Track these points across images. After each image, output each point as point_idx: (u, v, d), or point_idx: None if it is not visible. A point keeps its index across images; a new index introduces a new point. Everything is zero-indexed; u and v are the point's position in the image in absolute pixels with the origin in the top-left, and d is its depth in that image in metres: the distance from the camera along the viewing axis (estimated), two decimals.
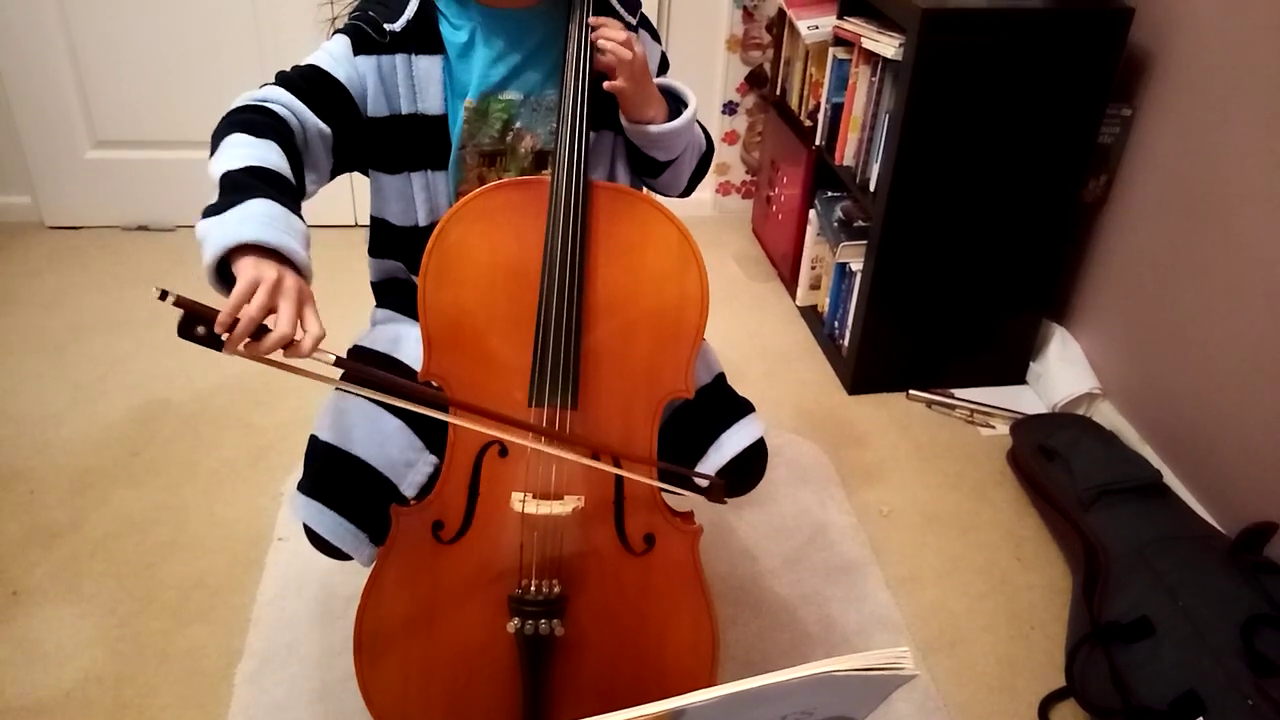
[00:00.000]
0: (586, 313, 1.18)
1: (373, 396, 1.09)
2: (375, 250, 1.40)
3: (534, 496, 1.18)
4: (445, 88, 1.27)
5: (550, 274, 1.17)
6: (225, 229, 0.94)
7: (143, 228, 2.88)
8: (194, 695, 1.52)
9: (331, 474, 1.25)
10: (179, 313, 0.88)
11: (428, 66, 1.25)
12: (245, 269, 0.92)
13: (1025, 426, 2.11)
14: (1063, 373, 2.29)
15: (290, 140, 1.13)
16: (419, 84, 1.25)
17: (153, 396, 2.19)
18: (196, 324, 0.89)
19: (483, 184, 1.23)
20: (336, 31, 1.26)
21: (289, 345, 0.92)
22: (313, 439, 1.28)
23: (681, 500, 1.33)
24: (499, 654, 1.23)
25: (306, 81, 1.20)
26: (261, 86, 1.18)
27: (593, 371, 1.19)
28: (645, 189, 1.43)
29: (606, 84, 1.21)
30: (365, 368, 1.06)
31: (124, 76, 2.67)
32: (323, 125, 1.18)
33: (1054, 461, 1.94)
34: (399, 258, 1.38)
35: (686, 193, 1.43)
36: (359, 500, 1.24)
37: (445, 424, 1.19)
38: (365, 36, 1.23)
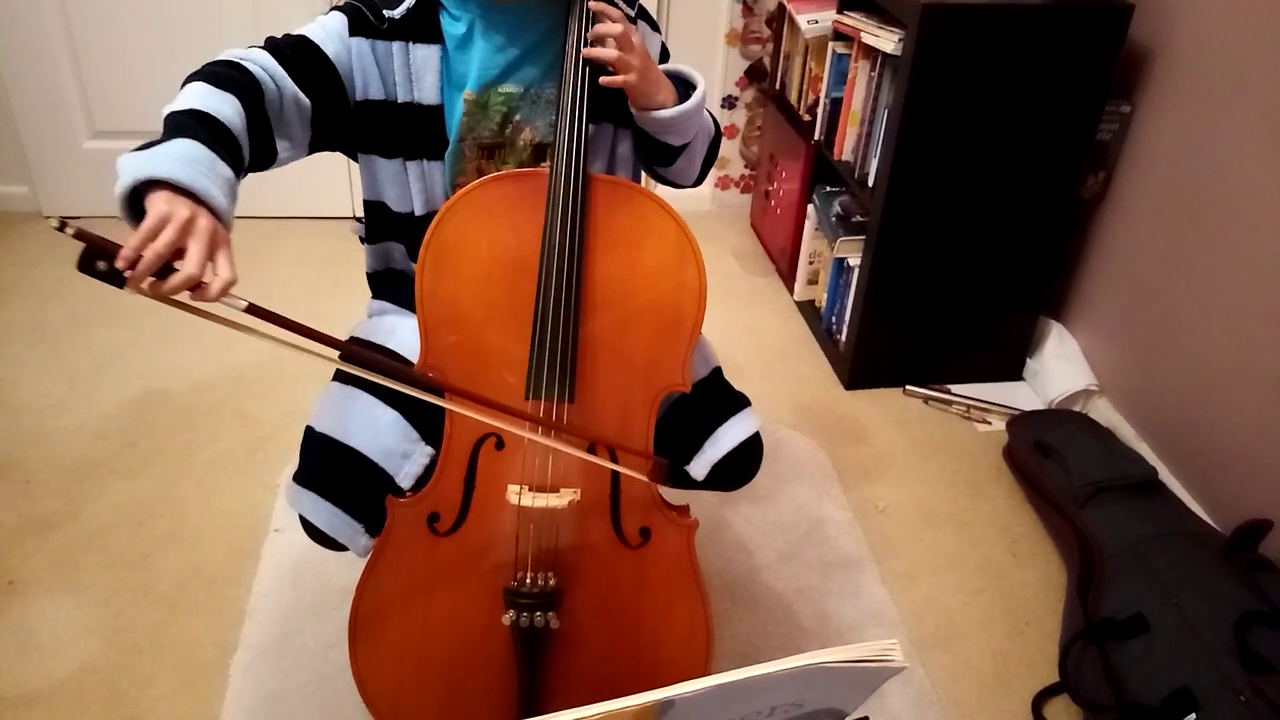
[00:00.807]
0: (584, 305, 1.18)
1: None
2: (372, 236, 1.40)
3: (530, 489, 1.18)
4: (441, 78, 1.26)
5: (548, 266, 1.17)
6: (142, 162, 0.91)
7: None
8: (189, 686, 1.53)
9: (327, 465, 1.25)
10: (82, 247, 0.84)
11: (425, 56, 1.25)
12: (156, 204, 0.89)
13: (1022, 423, 2.12)
14: (1059, 369, 2.29)
15: (258, 100, 1.11)
16: (415, 73, 1.25)
17: (150, 388, 2.19)
18: (98, 258, 0.85)
19: (481, 176, 1.23)
20: (335, 8, 1.25)
21: (196, 288, 0.89)
22: (308, 430, 1.28)
23: (677, 493, 1.33)
24: (494, 646, 1.23)
25: (293, 50, 1.19)
26: (249, 48, 1.17)
27: (590, 364, 1.19)
28: (657, 182, 1.42)
29: (605, 80, 1.20)
30: (280, 317, 0.94)
31: (122, 66, 2.67)
32: (302, 95, 1.17)
33: (1050, 458, 1.95)
34: (397, 240, 1.37)
35: (699, 180, 1.42)
36: (355, 491, 1.24)
37: (442, 416, 1.19)
38: (363, 19, 1.23)
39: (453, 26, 1.26)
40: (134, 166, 0.91)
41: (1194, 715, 1.36)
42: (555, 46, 1.26)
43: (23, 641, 1.58)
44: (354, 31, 1.23)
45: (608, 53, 1.18)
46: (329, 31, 1.22)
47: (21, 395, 2.15)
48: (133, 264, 0.86)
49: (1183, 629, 1.47)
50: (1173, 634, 1.48)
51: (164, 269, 0.87)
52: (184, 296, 0.89)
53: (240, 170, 1.04)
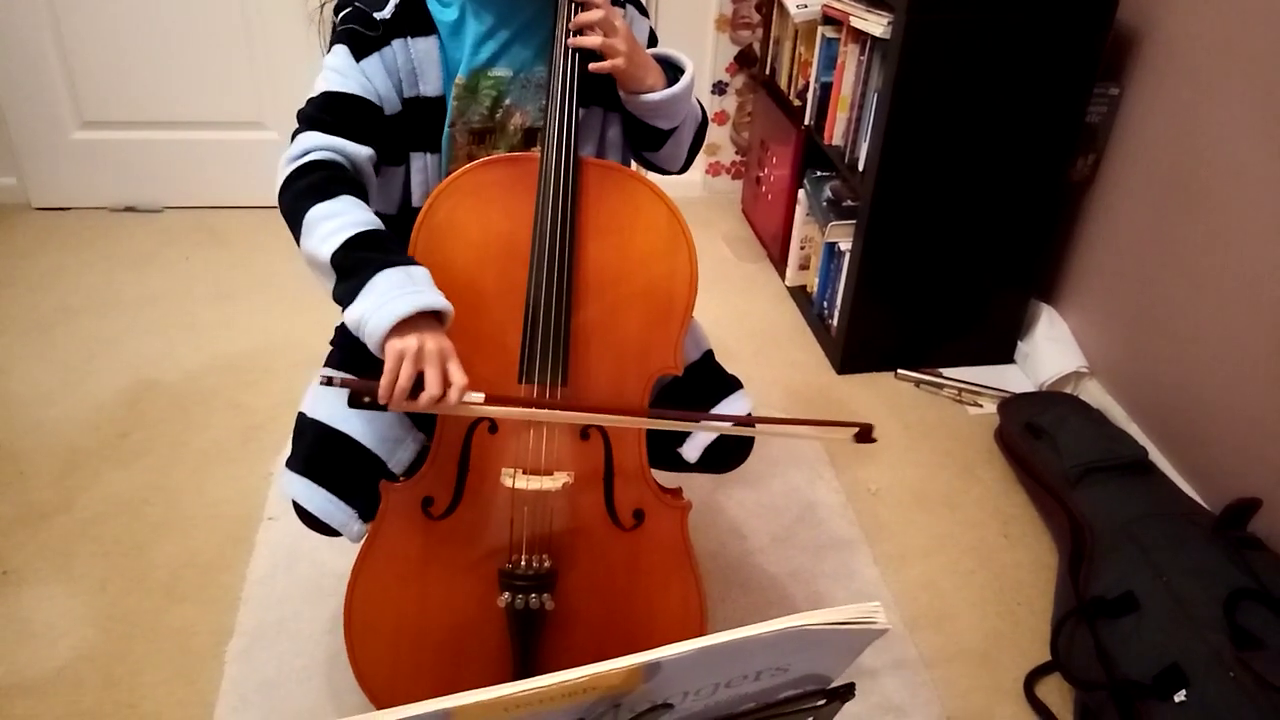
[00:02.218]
0: (576, 289, 1.19)
1: (522, 414, 1.19)
2: None
3: (524, 472, 1.19)
4: (443, 68, 1.26)
5: (540, 250, 1.17)
6: (368, 318, 1.04)
7: (130, 209, 2.86)
8: (184, 673, 1.53)
9: (320, 451, 1.25)
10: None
11: (425, 48, 1.24)
12: (391, 348, 1.03)
13: (1013, 405, 2.13)
14: (1050, 351, 2.30)
15: (351, 178, 1.17)
16: (419, 66, 1.24)
17: (142, 377, 2.19)
18: (362, 396, 1.07)
19: (472, 162, 1.23)
20: (333, 42, 1.24)
21: (440, 400, 1.04)
22: (301, 416, 1.28)
23: (670, 476, 1.34)
24: (489, 629, 1.24)
25: (329, 113, 1.19)
26: (292, 138, 1.19)
27: (582, 348, 1.20)
28: (645, 168, 1.42)
29: (594, 65, 1.20)
30: (509, 398, 1.17)
31: (111, 56, 2.65)
32: (365, 150, 1.19)
33: (1041, 439, 1.96)
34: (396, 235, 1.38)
35: (685, 166, 1.42)
36: (348, 477, 1.25)
37: None
38: (360, 38, 1.21)
39: (444, 14, 1.26)
40: (367, 324, 1.04)
41: (1184, 691, 1.38)
42: (545, 28, 1.26)
43: (18, 630, 1.58)
44: (358, 56, 1.22)
45: (591, 40, 1.18)
46: (343, 71, 1.22)
47: (13, 385, 2.14)
48: (389, 398, 1.04)
49: (1173, 606, 1.48)
50: (1163, 612, 1.49)
51: (415, 388, 1.04)
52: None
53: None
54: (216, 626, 1.61)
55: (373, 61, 1.22)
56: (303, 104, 1.22)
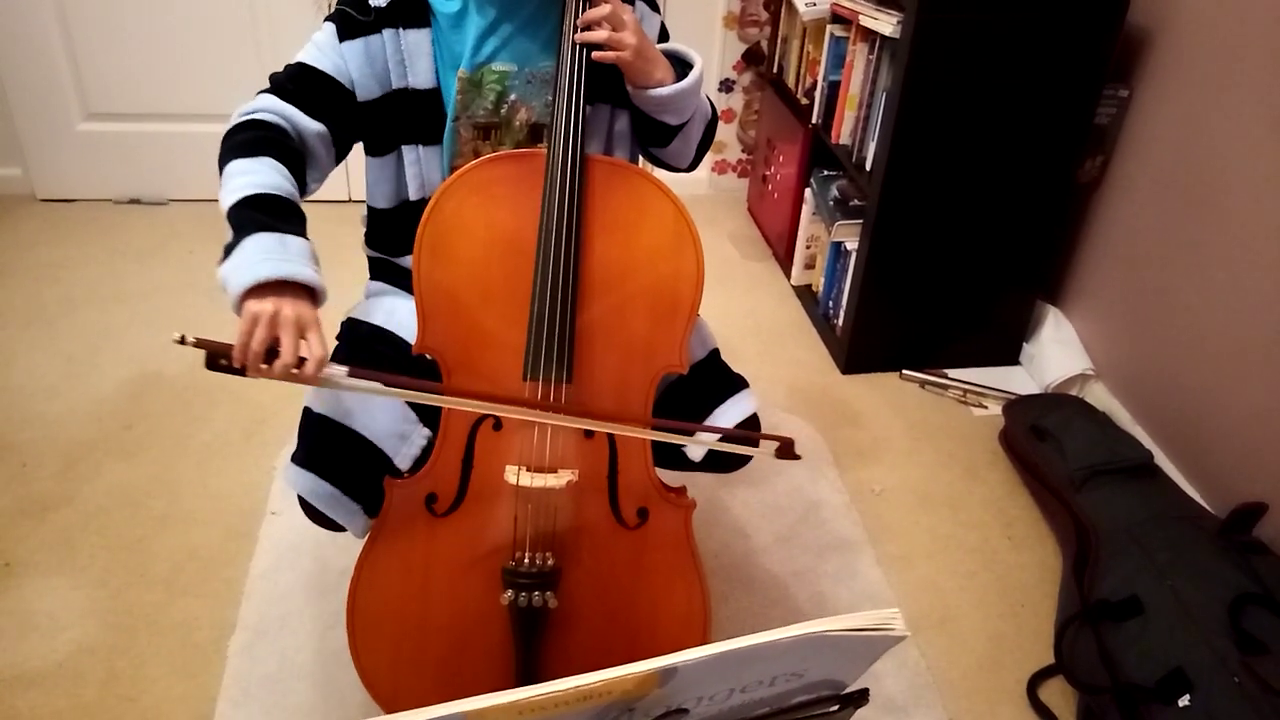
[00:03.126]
0: (582, 286, 1.18)
1: (388, 394, 1.16)
2: (370, 241, 1.43)
3: (528, 469, 1.18)
4: (435, 60, 1.26)
5: (546, 247, 1.16)
6: (231, 276, 1.03)
7: (135, 201, 2.86)
8: (186, 667, 1.53)
9: (326, 446, 1.25)
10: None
11: (416, 39, 1.25)
12: (247, 309, 1.01)
13: (1018, 407, 2.12)
14: (1056, 353, 2.29)
15: (286, 144, 1.17)
16: (408, 57, 1.25)
17: (145, 370, 2.18)
18: (218, 358, 1.02)
19: (478, 157, 1.22)
20: (326, 19, 1.26)
21: (298, 367, 1.02)
22: (306, 411, 1.27)
23: (675, 475, 1.34)
24: (492, 626, 1.24)
25: (294, 82, 1.23)
26: (256, 94, 1.21)
27: (588, 345, 1.19)
28: (653, 164, 1.42)
29: (597, 54, 1.19)
30: (376, 374, 1.12)
31: (116, 48, 2.65)
32: (317, 125, 1.21)
33: (1046, 442, 1.95)
34: (389, 243, 1.39)
35: (694, 164, 1.42)
36: (353, 472, 1.24)
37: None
38: (349, 21, 1.24)
39: (445, 5, 1.26)
40: (230, 284, 1.03)
41: (1188, 696, 1.37)
42: (550, 22, 1.25)
43: (20, 622, 1.58)
44: (343, 37, 1.24)
45: (598, 35, 1.18)
46: (322, 47, 1.24)
47: (16, 377, 2.14)
48: (243, 360, 1.01)
49: (1177, 611, 1.48)
50: (1167, 616, 1.48)
51: (270, 354, 1.02)
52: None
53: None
54: (219, 621, 1.60)
55: (355, 46, 1.23)
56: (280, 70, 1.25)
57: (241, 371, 1.03)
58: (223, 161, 1.14)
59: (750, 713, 0.82)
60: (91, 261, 2.58)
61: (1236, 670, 1.36)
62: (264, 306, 1.01)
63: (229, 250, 1.05)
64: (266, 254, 1.04)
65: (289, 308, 1.02)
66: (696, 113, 1.32)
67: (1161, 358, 2.02)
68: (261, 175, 1.11)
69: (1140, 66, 2.07)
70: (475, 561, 1.23)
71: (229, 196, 1.09)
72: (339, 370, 1.06)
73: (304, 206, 1.15)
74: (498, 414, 1.18)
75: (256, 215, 1.07)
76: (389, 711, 1.30)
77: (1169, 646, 1.44)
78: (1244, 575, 1.51)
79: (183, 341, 0.99)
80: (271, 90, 1.22)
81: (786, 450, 1.22)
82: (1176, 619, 1.47)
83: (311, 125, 1.21)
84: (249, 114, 1.18)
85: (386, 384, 1.12)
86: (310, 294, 1.06)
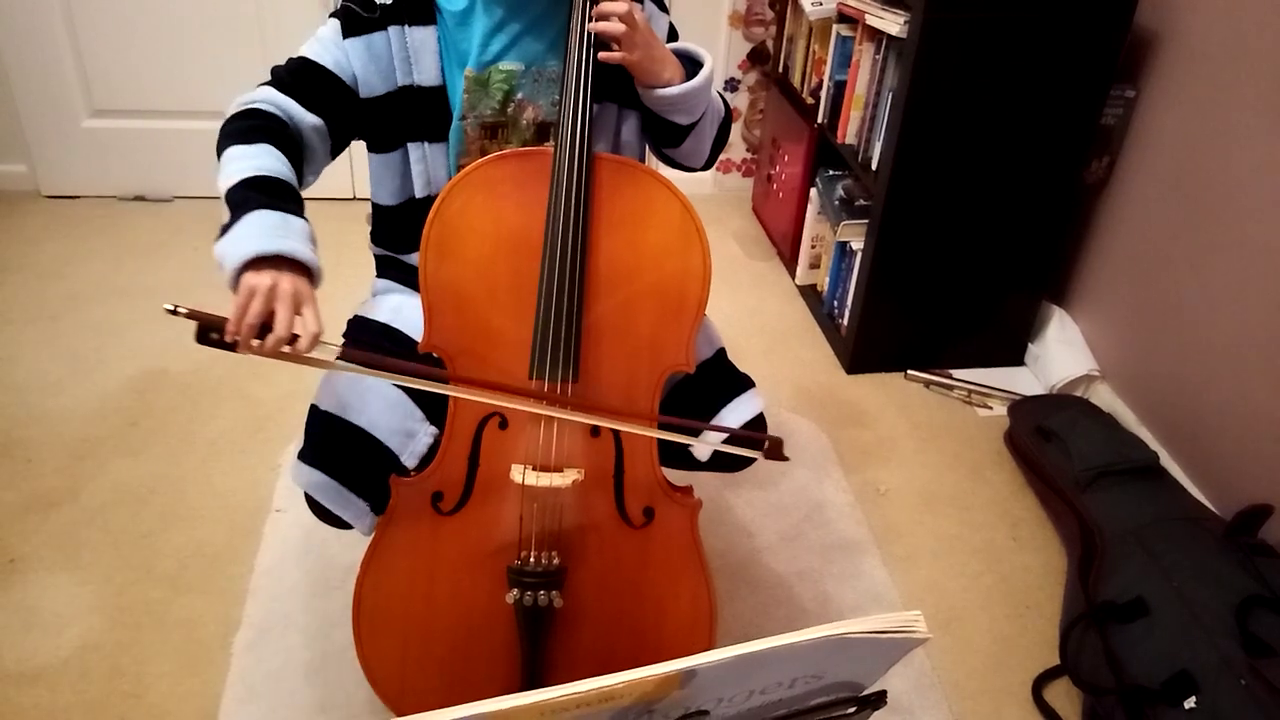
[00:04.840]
0: (588, 285, 1.18)
1: (378, 375, 1.15)
2: (375, 238, 1.42)
3: (534, 468, 1.18)
4: (441, 58, 1.26)
5: (553, 246, 1.16)
6: (228, 249, 1.03)
7: (140, 198, 2.86)
8: (191, 664, 1.53)
9: (333, 443, 1.25)
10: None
11: (422, 37, 1.24)
12: (244, 281, 1.01)
13: (1023, 407, 2.12)
14: (1061, 354, 2.29)
15: (284, 133, 1.18)
16: (413, 55, 1.25)
17: (150, 366, 2.19)
18: (210, 331, 1.01)
19: (485, 156, 1.22)
20: (332, 15, 1.27)
21: (291, 343, 1.01)
22: (313, 408, 1.27)
23: (680, 474, 1.33)
24: (497, 625, 1.24)
25: (293, 76, 1.23)
26: (256, 86, 1.22)
27: (594, 344, 1.19)
28: (666, 165, 1.41)
29: (604, 55, 1.19)
30: (368, 355, 1.11)
31: (122, 45, 2.65)
32: (313, 118, 1.22)
33: (1051, 442, 1.95)
34: (395, 240, 1.38)
35: (709, 163, 1.42)
36: (360, 470, 1.24)
37: (446, 395, 1.19)
38: (354, 18, 1.24)
39: (451, 3, 1.26)
40: (228, 258, 1.03)
41: (1194, 698, 1.37)
42: (558, 22, 1.25)
43: (25, 619, 1.58)
44: (347, 34, 1.24)
45: (613, 26, 1.17)
46: (325, 43, 1.25)
47: (21, 374, 2.14)
48: (236, 334, 1.00)
49: (1183, 612, 1.47)
50: (1173, 617, 1.48)
51: (264, 331, 1.01)
52: (287, 349, 1.03)
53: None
54: (223, 618, 1.60)
55: (358, 43, 1.24)
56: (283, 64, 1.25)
57: (232, 347, 1.01)
58: (221, 147, 1.15)
59: (769, 714, 0.82)
60: (96, 258, 2.58)
61: (1243, 672, 1.35)
62: (261, 279, 1.01)
63: (226, 228, 1.05)
64: (268, 229, 1.04)
65: (287, 282, 1.02)
66: (708, 111, 1.32)
67: (1167, 359, 2.01)
68: (262, 160, 1.12)
69: (1147, 67, 2.06)
70: (481, 560, 1.23)
71: (228, 179, 1.10)
72: (331, 349, 1.05)
73: (308, 204, 1.15)
74: (492, 403, 1.17)
75: (257, 195, 1.08)
76: (394, 710, 1.30)
77: (1175, 648, 1.44)
78: (1250, 577, 1.51)
79: (175, 311, 0.99)
80: (271, 83, 1.22)
81: (775, 451, 1.22)
82: (1182, 621, 1.47)
83: (308, 118, 1.21)
84: (247, 104, 1.19)
85: (383, 367, 1.11)
86: (308, 275, 1.06)
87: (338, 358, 1.07)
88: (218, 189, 1.10)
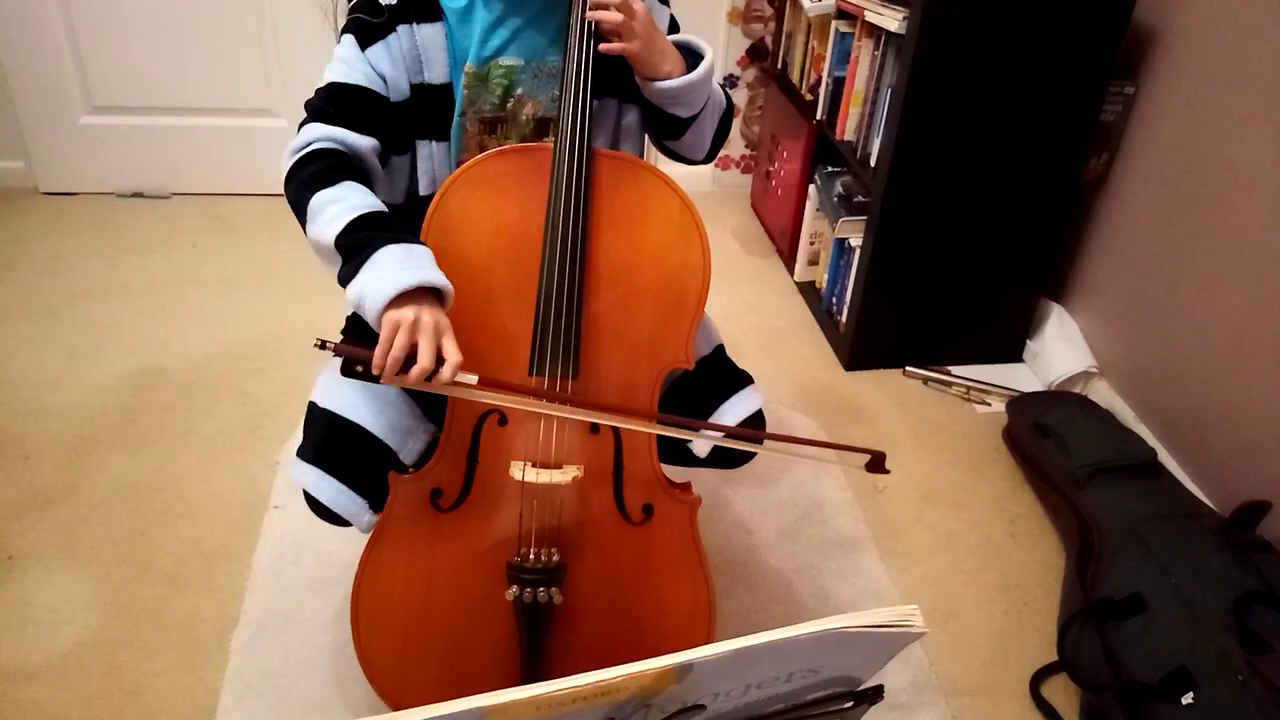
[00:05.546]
0: (588, 281, 1.18)
1: (516, 404, 1.17)
2: None
3: (533, 465, 1.18)
4: (449, 55, 1.25)
5: (552, 242, 1.16)
6: (369, 290, 1.05)
7: (138, 194, 2.86)
8: (189, 661, 1.53)
9: (332, 441, 1.24)
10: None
11: (431, 35, 1.24)
12: (388, 318, 1.04)
13: (1021, 404, 2.12)
14: (1059, 351, 2.29)
15: (353, 165, 1.18)
16: (424, 53, 1.24)
17: (148, 363, 2.18)
18: (355, 364, 1.06)
19: (484, 152, 1.22)
20: (342, 32, 1.25)
21: (431, 375, 1.04)
22: (312, 406, 1.27)
23: (679, 471, 1.33)
24: (497, 622, 1.23)
25: (333, 104, 1.20)
26: (298, 129, 1.20)
27: (594, 340, 1.19)
28: (667, 158, 1.41)
29: (604, 46, 1.19)
30: (502, 381, 1.15)
31: (120, 41, 2.65)
32: (367, 140, 1.20)
33: (1049, 439, 1.95)
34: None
35: (710, 156, 1.41)
36: (359, 467, 1.24)
37: (444, 393, 1.19)
38: (365, 27, 1.22)
39: (452, 0, 1.25)
40: (369, 301, 1.05)
41: (1192, 694, 1.37)
42: (557, 18, 1.25)
43: (22, 615, 1.58)
44: (364, 45, 1.22)
45: (611, 15, 1.17)
46: (348, 61, 1.22)
47: (19, 370, 2.14)
48: (382, 367, 1.04)
49: (1181, 609, 1.48)
50: (1171, 613, 1.48)
51: (406, 363, 1.04)
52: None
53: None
54: (221, 615, 1.60)
55: (378, 49, 1.22)
56: (311, 94, 1.22)
57: (377, 379, 1.05)
58: (301, 198, 1.14)
59: (766, 709, 0.82)
60: (94, 255, 2.58)
61: (1241, 669, 1.36)
62: (404, 314, 1.04)
63: (354, 268, 1.07)
64: (400, 264, 1.06)
65: (427, 314, 1.05)
66: (709, 104, 1.31)
67: (1165, 355, 2.01)
68: (354, 198, 1.12)
69: (1146, 63, 2.06)
70: (480, 557, 1.22)
71: (330, 226, 1.10)
72: (470, 379, 1.07)
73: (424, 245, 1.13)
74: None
75: (374, 232, 1.09)
76: (394, 707, 1.29)
77: (1173, 644, 1.44)
78: (1248, 573, 1.51)
79: (323, 346, 1.04)
80: (312, 119, 1.19)
81: (877, 464, 1.27)
82: (1180, 617, 1.47)
83: (363, 142, 1.19)
84: (305, 147, 1.17)
85: (509, 391, 1.15)
86: (439, 298, 1.08)
87: (478, 385, 1.09)
88: (319, 238, 1.11)
